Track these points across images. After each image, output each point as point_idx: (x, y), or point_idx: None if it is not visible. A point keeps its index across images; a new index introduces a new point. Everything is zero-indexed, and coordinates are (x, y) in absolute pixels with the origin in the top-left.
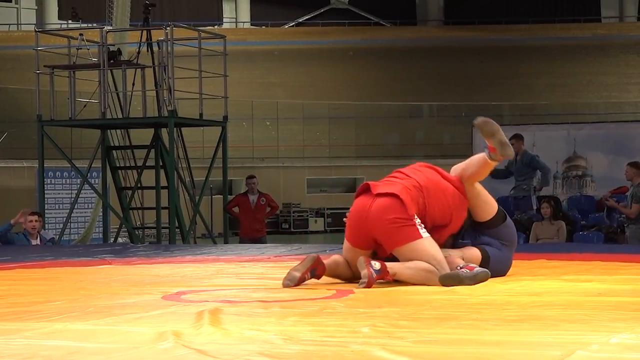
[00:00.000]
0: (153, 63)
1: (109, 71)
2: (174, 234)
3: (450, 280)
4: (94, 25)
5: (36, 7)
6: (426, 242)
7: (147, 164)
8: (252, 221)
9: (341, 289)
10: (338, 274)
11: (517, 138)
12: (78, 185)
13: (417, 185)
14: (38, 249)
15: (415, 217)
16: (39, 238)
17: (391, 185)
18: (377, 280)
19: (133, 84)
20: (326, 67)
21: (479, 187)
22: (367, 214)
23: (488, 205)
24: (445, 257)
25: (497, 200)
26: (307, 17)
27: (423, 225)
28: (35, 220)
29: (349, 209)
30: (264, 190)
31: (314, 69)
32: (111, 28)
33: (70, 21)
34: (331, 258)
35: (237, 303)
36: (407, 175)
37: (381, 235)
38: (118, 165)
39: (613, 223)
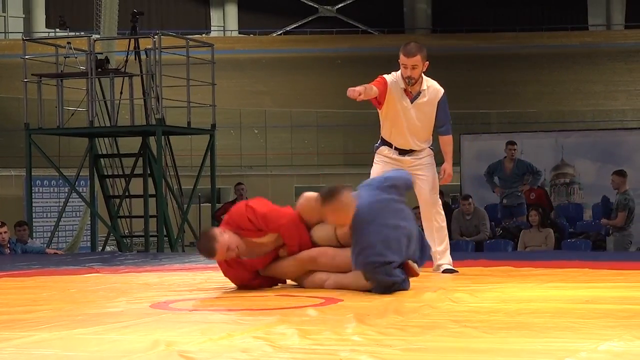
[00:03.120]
0: (141, 71)
1: (96, 79)
2: (162, 242)
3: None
4: (82, 33)
5: (24, 16)
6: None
7: (135, 172)
8: None
9: (329, 297)
10: None
11: (512, 144)
12: (66, 194)
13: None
14: (25, 257)
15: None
16: (8, 248)
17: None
18: None
19: (121, 93)
20: (314, 76)
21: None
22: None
23: None
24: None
25: (485, 208)
26: (295, 26)
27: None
28: (4, 232)
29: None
30: (252, 198)
31: (302, 77)
32: (99, 36)
33: (58, 29)
34: None
35: (226, 311)
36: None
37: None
38: (106, 173)
39: (600, 230)
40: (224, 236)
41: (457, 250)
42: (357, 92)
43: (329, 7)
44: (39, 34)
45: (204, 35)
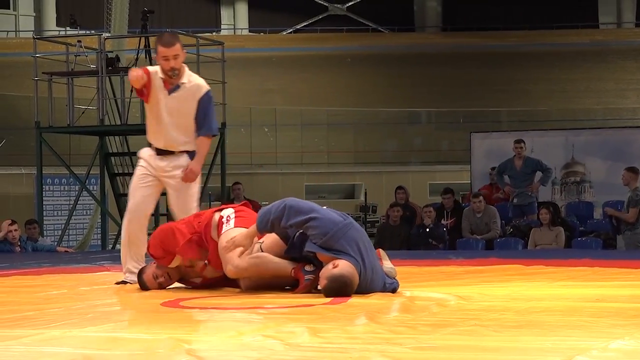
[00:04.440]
0: None
1: (107, 78)
2: None
3: None
4: (92, 32)
5: (34, 14)
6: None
7: None
8: None
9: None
10: None
11: (518, 142)
12: (76, 192)
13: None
14: (36, 256)
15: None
16: (19, 246)
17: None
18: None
19: (131, 91)
20: (324, 74)
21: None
22: None
23: None
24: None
25: (495, 207)
26: (305, 24)
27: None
28: (15, 230)
29: (348, 215)
30: (262, 196)
31: (312, 76)
32: (109, 35)
33: (68, 28)
34: None
35: (236, 309)
36: None
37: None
38: (116, 171)
39: (610, 229)
40: (149, 268)
41: (467, 248)
42: (140, 75)
43: (339, 6)
44: (49, 33)
45: (214, 33)
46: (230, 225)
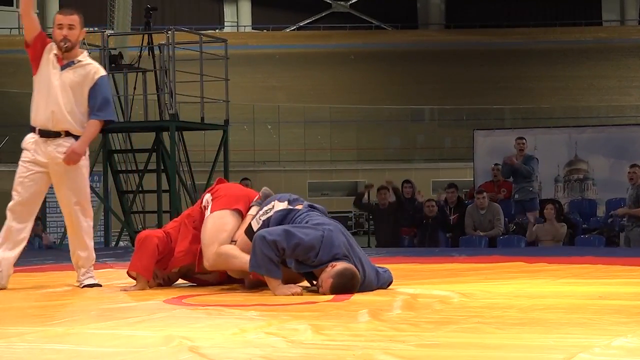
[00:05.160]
0: (154, 67)
1: (110, 75)
2: None
3: None
4: (96, 29)
5: (37, 11)
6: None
7: (148, 168)
8: None
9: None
10: None
11: (520, 139)
12: None
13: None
14: (39, 252)
15: None
16: None
17: None
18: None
19: (134, 88)
20: (327, 71)
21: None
22: None
23: None
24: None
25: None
26: (308, 21)
27: None
28: None
29: (350, 212)
30: None
31: (315, 73)
32: (113, 32)
33: None
34: None
35: (239, 307)
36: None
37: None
38: (119, 169)
39: (614, 226)
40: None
41: (470, 245)
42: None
43: (342, 3)
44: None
45: (217, 30)
46: (208, 212)
